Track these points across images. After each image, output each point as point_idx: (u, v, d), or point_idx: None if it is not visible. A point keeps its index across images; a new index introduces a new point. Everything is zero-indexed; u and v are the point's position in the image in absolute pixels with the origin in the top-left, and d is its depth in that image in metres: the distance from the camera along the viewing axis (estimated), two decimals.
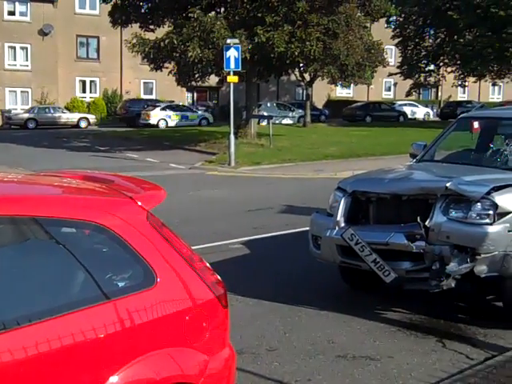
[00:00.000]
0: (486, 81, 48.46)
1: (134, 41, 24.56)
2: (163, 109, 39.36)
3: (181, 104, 42.84)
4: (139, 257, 3.04)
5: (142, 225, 3.14)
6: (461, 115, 8.04)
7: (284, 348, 5.41)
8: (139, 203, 3.22)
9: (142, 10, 26.65)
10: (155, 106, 39.75)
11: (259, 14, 23.50)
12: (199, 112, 41.83)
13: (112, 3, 27.10)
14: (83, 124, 39.69)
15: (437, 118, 50.75)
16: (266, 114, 36.16)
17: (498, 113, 8.30)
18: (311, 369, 4.99)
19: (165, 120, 38.69)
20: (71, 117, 40.13)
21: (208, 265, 3.42)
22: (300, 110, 43.87)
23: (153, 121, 38.30)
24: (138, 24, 26.82)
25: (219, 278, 3.40)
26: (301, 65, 31.58)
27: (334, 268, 6.84)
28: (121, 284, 3.02)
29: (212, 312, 3.27)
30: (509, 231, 5.57)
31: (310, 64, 28.94)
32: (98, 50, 46.99)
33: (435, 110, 55.77)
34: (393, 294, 6.68)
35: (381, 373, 4.91)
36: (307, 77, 39.41)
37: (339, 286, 7.04)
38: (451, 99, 58.98)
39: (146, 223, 3.17)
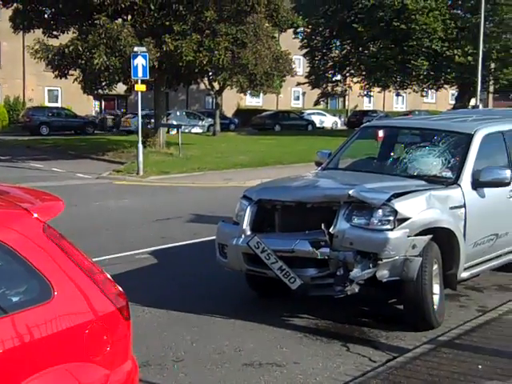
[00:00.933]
0: (390, 91, 50.26)
1: (37, 47, 23.88)
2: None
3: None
4: (35, 270, 2.96)
5: (38, 237, 3.05)
6: (363, 125, 8.30)
7: (190, 358, 5.38)
8: (35, 215, 3.13)
9: (46, 16, 25.93)
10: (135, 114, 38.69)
11: (167, 23, 23.42)
12: None
13: (13, 8, 26.22)
14: None
15: (344, 127, 52.12)
16: (175, 122, 35.98)
17: (398, 122, 8.63)
18: (218, 378, 4.99)
19: None
20: None
21: (109, 276, 3.36)
22: (210, 119, 43.95)
23: (134, 127, 37.27)
24: (41, 30, 26.07)
25: (121, 289, 3.35)
26: (210, 74, 31.67)
27: (241, 276, 6.88)
28: (15, 299, 2.92)
29: (113, 324, 3.21)
30: (408, 236, 5.78)
31: (219, 73, 29.09)
32: None
33: (343, 119, 57.25)
34: (299, 301, 6.79)
35: (287, 379, 4.98)
36: (216, 86, 39.57)
37: (246, 294, 7.09)
38: (358, 108, 60.79)
39: (43, 235, 3.08)
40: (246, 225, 6.35)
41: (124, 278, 7.84)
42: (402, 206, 5.81)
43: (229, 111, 53.09)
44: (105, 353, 3.13)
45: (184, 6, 23.36)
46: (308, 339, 5.86)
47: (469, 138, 6.92)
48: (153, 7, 23.48)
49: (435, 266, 6.09)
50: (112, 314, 3.20)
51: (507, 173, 6.57)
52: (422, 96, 52.13)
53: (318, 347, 5.66)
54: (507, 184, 6.64)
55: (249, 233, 6.28)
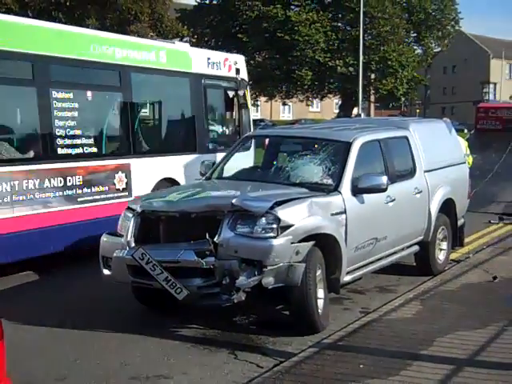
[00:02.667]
0: (276, 100, 51.13)
1: None
2: None
3: None
4: None
5: None
6: (246, 134, 8.43)
7: (73, 376, 5.24)
8: None
9: None
10: None
11: None
12: None
13: None
14: None
15: None
16: None
17: (281, 132, 8.84)
18: None
19: None
20: None
21: None
22: None
23: None
24: None
25: None
26: None
27: (127, 289, 6.80)
28: None
29: None
30: (292, 243, 5.92)
31: None
32: None
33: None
34: (186, 311, 6.79)
35: None
36: None
37: (133, 306, 7.01)
38: None
39: None
40: (130, 236, 6.29)
41: (2, 296, 7.54)
42: (284, 213, 5.95)
43: None
44: None
45: (64, 13, 22.84)
46: (196, 349, 5.87)
47: (347, 146, 7.19)
48: (30, 14, 22.77)
49: (319, 271, 6.27)
50: None
51: (383, 179, 6.88)
52: (308, 105, 53.54)
53: (205, 356, 5.68)
54: (384, 190, 6.95)
55: (133, 244, 6.22)
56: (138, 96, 10.03)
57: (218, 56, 11.88)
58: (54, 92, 8.61)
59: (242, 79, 11.92)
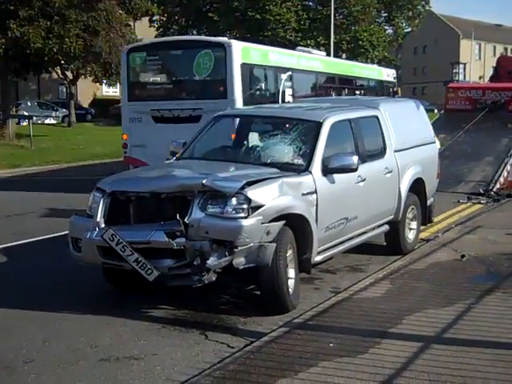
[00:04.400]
0: None
1: None
2: None
3: None
4: None
5: None
6: (217, 113, 8.37)
7: (42, 358, 5.20)
8: None
9: None
10: None
11: (11, 7, 22.30)
12: None
13: None
14: None
15: None
16: (26, 113, 34.43)
17: (252, 111, 8.78)
18: (72, 376, 4.86)
19: None
20: None
21: None
22: (64, 110, 42.52)
23: None
24: None
25: None
26: (62, 62, 30.56)
27: (97, 270, 6.75)
28: None
29: None
30: (262, 223, 5.92)
31: (71, 61, 28.14)
32: None
33: None
34: (157, 292, 6.77)
35: (144, 371, 4.94)
36: (70, 75, 38.27)
37: (103, 287, 6.98)
38: None
39: None
40: (99, 217, 6.22)
41: None
42: (255, 193, 5.94)
43: (85, 101, 51.52)
44: None
45: None
46: (166, 330, 5.86)
47: (318, 125, 7.18)
48: None
49: (290, 251, 6.28)
50: None
51: (354, 159, 6.89)
52: None
53: (176, 337, 5.67)
54: (354, 170, 6.96)
55: (103, 225, 6.16)
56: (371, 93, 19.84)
57: (387, 70, 23.07)
58: None
59: (394, 82, 23.24)
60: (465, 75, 78.23)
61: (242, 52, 13.17)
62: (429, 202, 9.39)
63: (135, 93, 13.98)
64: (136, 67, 14.15)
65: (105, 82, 41.52)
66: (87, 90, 50.77)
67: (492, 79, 26.68)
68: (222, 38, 14.81)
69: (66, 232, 6.69)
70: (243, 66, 12.98)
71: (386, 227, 8.39)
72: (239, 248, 5.80)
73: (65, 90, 49.91)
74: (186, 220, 5.83)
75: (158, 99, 13.55)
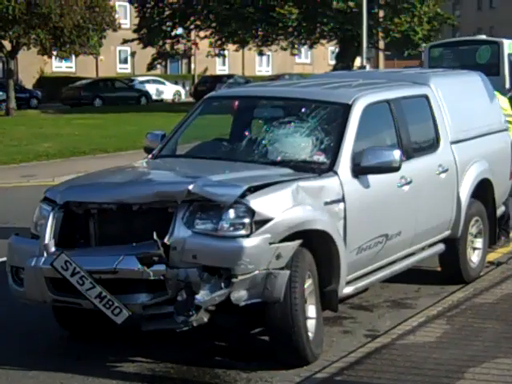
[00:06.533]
0: (250, 49, 51.11)
1: None
2: None
3: None
4: None
5: None
6: (208, 94, 8.41)
7: None
8: None
9: None
10: None
11: None
12: None
13: None
14: None
15: (190, 99, 52.45)
16: None
17: (255, 90, 8.81)
18: None
19: None
20: None
21: None
22: (1, 93, 42.70)
23: None
24: None
25: None
26: None
27: (47, 309, 6.78)
28: None
29: None
30: (270, 244, 5.93)
31: (9, 27, 28.28)
32: None
33: (188, 88, 57.61)
34: (129, 339, 6.79)
35: None
36: (8, 45, 38.46)
37: (54, 333, 7.02)
38: (208, 73, 61.37)
39: None
40: (48, 238, 6.25)
41: None
42: (260, 203, 5.95)
43: (28, 81, 51.81)
44: None
45: None
46: None
47: (346, 109, 7.21)
48: None
49: (309, 282, 6.30)
50: None
51: (395, 154, 6.89)
52: (293, 55, 53.59)
53: None
54: (396, 169, 6.97)
55: (53, 249, 6.18)
56: None
57: None
58: None
59: None
60: None
61: (509, 46, 23.45)
62: (499, 212, 9.39)
63: None
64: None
65: (55, 53, 41.81)
66: (31, 66, 51.09)
67: None
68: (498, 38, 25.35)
69: (3, 259, 6.73)
70: (509, 55, 23.36)
71: (441, 247, 8.40)
72: (239, 278, 5.81)
73: (0, 65, 50.17)
74: (166, 240, 5.85)
75: None
